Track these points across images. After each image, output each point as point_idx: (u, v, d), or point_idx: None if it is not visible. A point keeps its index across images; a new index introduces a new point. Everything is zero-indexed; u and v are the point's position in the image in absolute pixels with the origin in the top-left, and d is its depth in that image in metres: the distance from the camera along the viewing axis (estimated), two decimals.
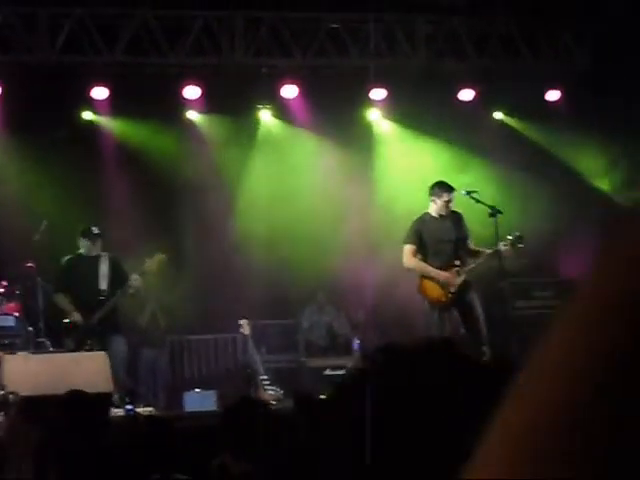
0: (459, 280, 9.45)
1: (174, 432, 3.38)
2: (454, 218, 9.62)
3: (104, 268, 9.89)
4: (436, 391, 1.45)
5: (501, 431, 0.65)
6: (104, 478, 3.67)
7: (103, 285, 9.84)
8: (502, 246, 9.32)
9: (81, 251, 9.97)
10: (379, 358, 1.55)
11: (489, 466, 0.65)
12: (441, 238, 9.54)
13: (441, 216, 9.58)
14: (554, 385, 0.64)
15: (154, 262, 9.89)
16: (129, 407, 8.53)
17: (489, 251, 9.40)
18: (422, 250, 9.59)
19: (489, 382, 1.43)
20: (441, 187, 9.59)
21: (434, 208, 9.60)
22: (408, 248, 9.55)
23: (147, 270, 9.90)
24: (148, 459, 3.35)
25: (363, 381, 1.49)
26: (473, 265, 9.54)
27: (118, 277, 9.87)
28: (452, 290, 9.44)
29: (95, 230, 9.98)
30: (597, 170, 12.22)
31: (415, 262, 9.55)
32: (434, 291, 9.48)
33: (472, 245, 9.64)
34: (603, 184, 12.24)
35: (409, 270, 9.65)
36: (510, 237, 9.43)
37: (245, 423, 3.87)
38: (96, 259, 9.92)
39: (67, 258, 10.06)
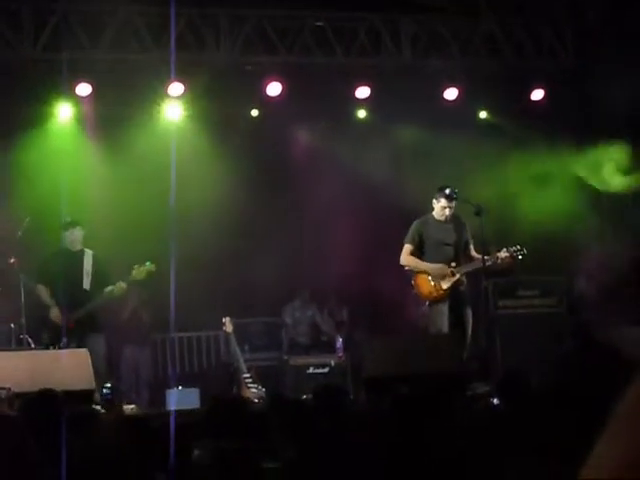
0: (452, 278, 9.47)
1: (153, 431, 3.36)
2: (456, 223, 9.66)
3: (87, 266, 9.79)
4: None
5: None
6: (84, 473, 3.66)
7: (86, 284, 9.72)
8: (499, 257, 9.33)
9: (65, 245, 9.89)
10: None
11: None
12: (441, 240, 9.58)
13: (441, 220, 9.60)
14: None
15: (142, 271, 9.72)
16: (106, 391, 8.46)
17: (486, 258, 9.39)
18: (421, 250, 9.62)
19: None
20: (441, 192, 9.61)
21: (434, 210, 9.64)
22: (406, 247, 9.62)
23: (135, 278, 9.76)
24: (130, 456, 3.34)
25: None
26: (469, 269, 9.56)
27: (101, 277, 9.75)
28: (444, 287, 9.45)
29: (67, 219, 9.93)
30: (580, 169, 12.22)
31: (410, 259, 9.61)
32: (425, 286, 9.51)
33: (472, 252, 9.65)
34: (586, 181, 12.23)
35: (404, 267, 9.67)
36: (512, 248, 9.42)
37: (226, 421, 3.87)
38: (80, 255, 9.83)
39: (51, 251, 10.02)
